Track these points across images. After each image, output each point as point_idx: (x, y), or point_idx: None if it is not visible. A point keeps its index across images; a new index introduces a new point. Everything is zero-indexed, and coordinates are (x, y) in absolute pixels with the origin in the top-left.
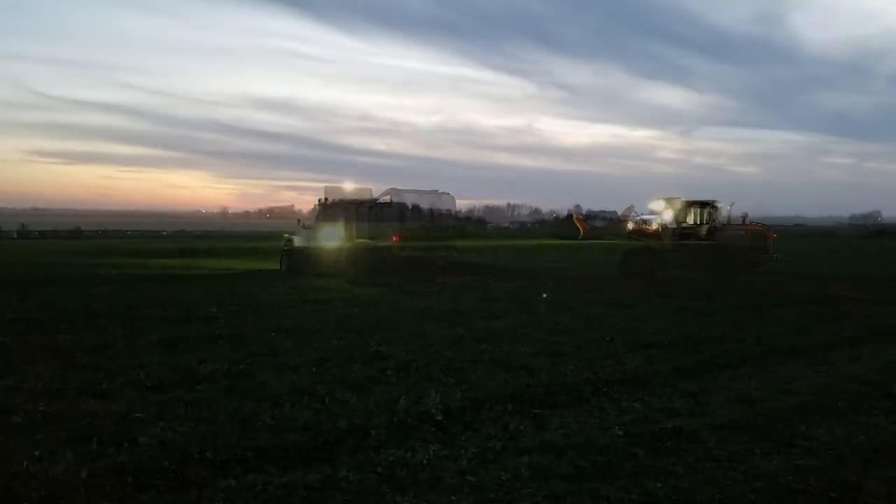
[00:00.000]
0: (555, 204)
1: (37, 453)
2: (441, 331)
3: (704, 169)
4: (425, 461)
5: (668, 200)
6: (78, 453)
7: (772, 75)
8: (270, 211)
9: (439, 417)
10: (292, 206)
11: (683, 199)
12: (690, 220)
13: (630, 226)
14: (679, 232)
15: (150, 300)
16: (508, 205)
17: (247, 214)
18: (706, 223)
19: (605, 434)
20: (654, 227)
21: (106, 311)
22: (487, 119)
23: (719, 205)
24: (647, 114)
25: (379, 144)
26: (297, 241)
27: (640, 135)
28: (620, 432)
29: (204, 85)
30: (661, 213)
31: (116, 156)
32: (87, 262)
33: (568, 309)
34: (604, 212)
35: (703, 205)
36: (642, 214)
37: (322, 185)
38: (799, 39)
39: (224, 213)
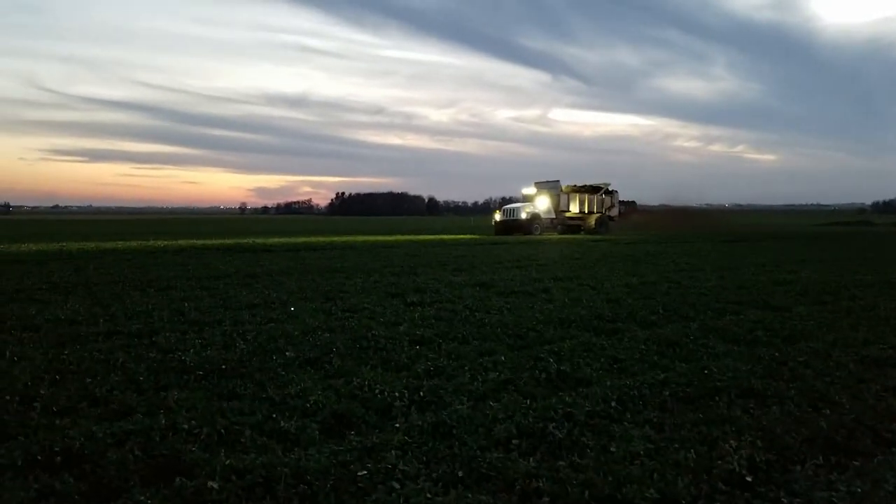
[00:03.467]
0: None
1: None
2: None
3: (723, 157)
4: None
5: (545, 185)
6: None
7: (792, 62)
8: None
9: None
10: (309, 200)
11: (569, 184)
12: (575, 208)
13: (497, 216)
14: (559, 222)
15: None
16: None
17: (265, 210)
18: (596, 212)
19: None
20: (523, 217)
21: None
22: (501, 111)
23: (613, 189)
24: (663, 103)
25: (393, 138)
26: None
27: (656, 124)
28: None
29: (219, 81)
30: (534, 200)
31: (134, 153)
32: None
33: None
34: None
35: (593, 190)
36: (511, 203)
37: (337, 179)
38: (818, 25)
39: (243, 210)
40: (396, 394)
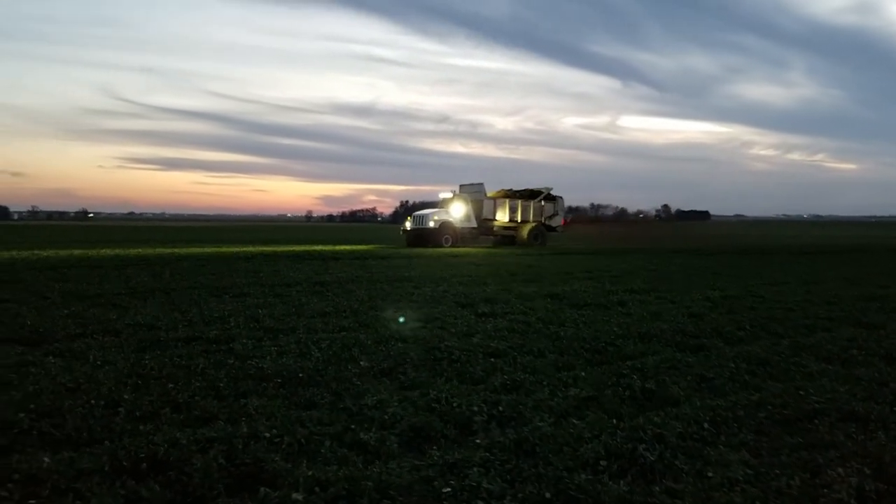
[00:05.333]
0: (642, 204)
1: None
2: None
3: (801, 166)
4: None
5: (467, 189)
6: None
7: (875, 67)
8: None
9: None
10: (374, 208)
11: (506, 188)
12: (503, 216)
13: (407, 224)
14: (484, 232)
15: None
16: (592, 205)
17: (331, 218)
18: (532, 220)
19: None
20: (431, 225)
21: None
22: (569, 118)
23: (555, 194)
24: (739, 109)
25: (457, 147)
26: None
27: (731, 131)
28: None
29: (288, 91)
30: (448, 207)
31: (206, 161)
32: None
33: None
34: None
35: (530, 195)
36: (423, 211)
37: (401, 187)
38: None
39: (309, 218)
40: (475, 408)
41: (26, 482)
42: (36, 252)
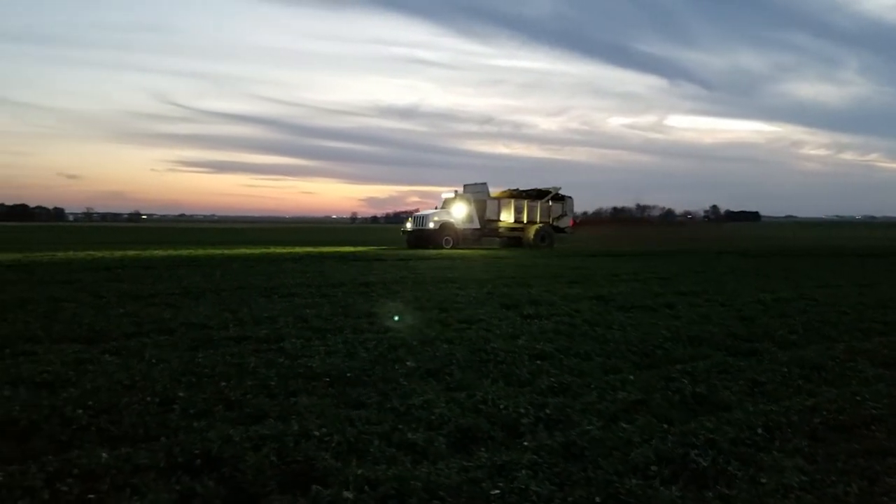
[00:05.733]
0: (690, 205)
1: None
2: None
3: (854, 166)
4: None
5: (471, 189)
6: None
7: None
8: None
9: None
10: (417, 209)
11: (507, 189)
12: (508, 216)
13: (408, 225)
14: (489, 233)
15: None
16: (638, 206)
17: (374, 219)
18: (539, 221)
19: None
20: (431, 226)
21: None
22: (615, 118)
23: (564, 194)
24: (789, 108)
25: (500, 147)
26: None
27: (781, 131)
28: None
29: (334, 95)
30: (450, 207)
31: (254, 164)
32: None
33: None
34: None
35: (537, 195)
36: (420, 210)
37: (445, 188)
38: None
39: (353, 219)
40: (522, 410)
41: (85, 477)
42: (91, 253)
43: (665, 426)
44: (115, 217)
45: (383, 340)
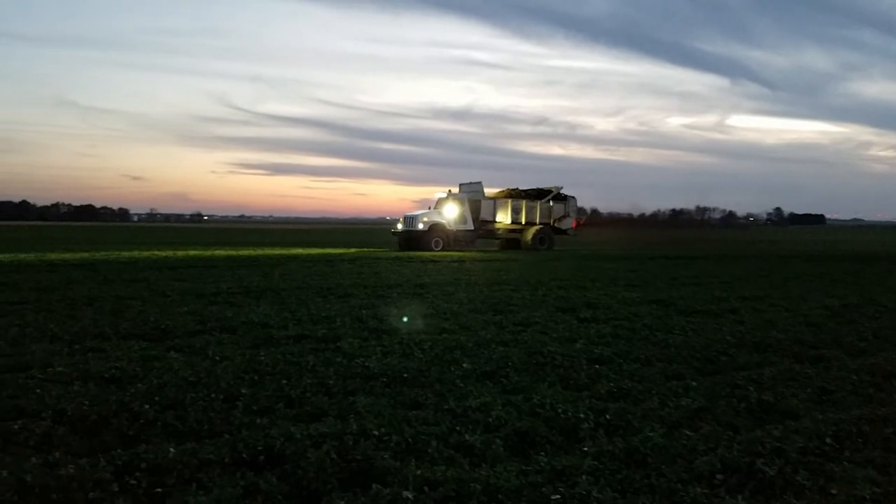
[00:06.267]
0: (752, 207)
1: None
2: None
3: None
4: None
5: (465, 189)
6: None
7: None
8: None
9: None
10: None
11: (505, 189)
12: (505, 217)
13: (399, 226)
14: (483, 234)
15: None
16: (698, 208)
17: None
18: (539, 222)
19: None
20: (420, 227)
21: None
22: (673, 118)
23: (567, 194)
24: (856, 108)
25: (555, 149)
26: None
27: (848, 131)
28: None
29: (389, 97)
30: (442, 208)
31: (311, 166)
32: None
33: None
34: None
35: (537, 195)
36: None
37: (498, 190)
38: None
39: None
40: (581, 415)
41: (153, 471)
42: (155, 252)
43: (730, 434)
44: (178, 218)
45: (438, 342)
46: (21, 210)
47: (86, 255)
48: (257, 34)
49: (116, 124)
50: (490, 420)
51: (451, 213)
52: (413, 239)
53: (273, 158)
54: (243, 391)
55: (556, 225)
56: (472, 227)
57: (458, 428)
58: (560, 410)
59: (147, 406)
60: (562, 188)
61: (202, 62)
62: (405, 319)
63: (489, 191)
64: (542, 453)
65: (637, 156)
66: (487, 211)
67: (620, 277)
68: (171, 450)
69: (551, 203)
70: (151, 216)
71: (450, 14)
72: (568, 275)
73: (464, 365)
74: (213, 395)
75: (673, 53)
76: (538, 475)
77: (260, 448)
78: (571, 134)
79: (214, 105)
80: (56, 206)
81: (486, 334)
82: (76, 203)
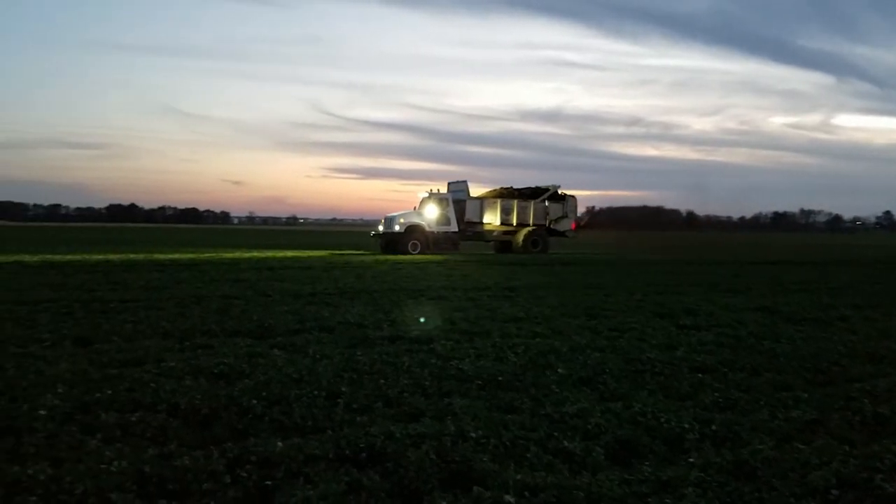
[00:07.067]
0: (860, 210)
1: None
2: None
3: None
4: None
5: (454, 187)
6: None
7: None
8: None
9: None
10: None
11: (497, 188)
12: (493, 218)
13: (380, 228)
14: (471, 237)
15: None
16: (802, 211)
17: None
18: (533, 223)
19: None
20: (396, 229)
21: None
22: (775, 117)
23: (565, 193)
24: None
25: (649, 149)
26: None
27: None
28: None
29: (478, 100)
30: (422, 210)
31: (400, 170)
32: None
33: None
34: None
35: (531, 194)
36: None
37: (588, 192)
38: None
39: None
40: (685, 425)
41: (262, 464)
42: (255, 254)
43: (845, 448)
44: (275, 220)
45: (532, 346)
46: (131, 212)
47: (192, 255)
48: (351, 42)
49: (218, 131)
50: (589, 427)
51: (430, 214)
52: (392, 241)
53: (364, 163)
54: (343, 389)
55: (552, 226)
56: (456, 229)
57: (556, 434)
58: (663, 419)
59: (254, 401)
60: (559, 187)
61: (298, 70)
62: (422, 320)
63: (478, 190)
64: (646, 463)
65: (737, 156)
66: (473, 212)
67: (721, 283)
68: (279, 444)
69: (547, 203)
70: (250, 219)
71: (540, 15)
72: (664, 279)
73: (559, 370)
74: (316, 393)
75: (775, 50)
76: (642, 485)
77: (361, 445)
78: (666, 134)
79: (309, 111)
80: (162, 208)
81: (581, 339)
82: (181, 206)
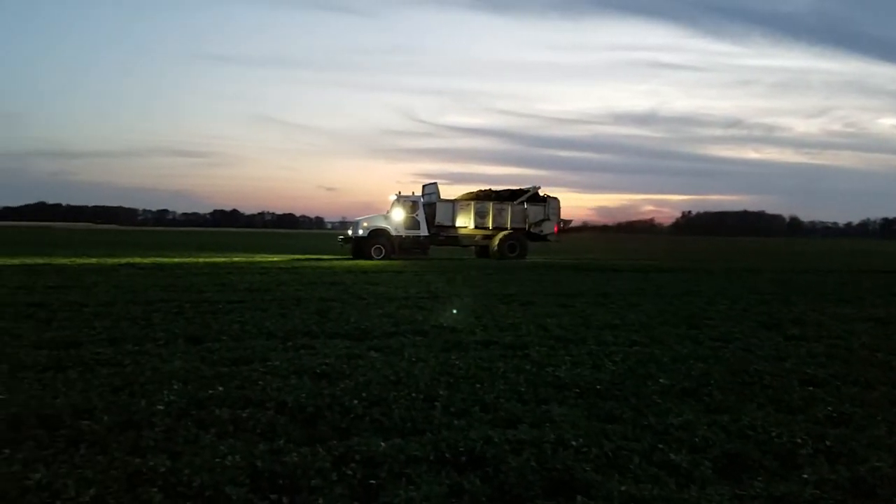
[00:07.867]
0: None
1: None
2: None
3: None
4: None
5: (427, 190)
6: None
7: None
8: None
9: None
10: (652, 219)
11: (472, 191)
12: (467, 221)
13: (348, 232)
14: (444, 241)
15: None
16: None
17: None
18: (510, 227)
19: None
20: (360, 233)
21: None
22: (886, 118)
23: (546, 195)
24: None
25: (749, 152)
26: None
27: None
28: None
29: (568, 104)
30: (390, 213)
31: (488, 175)
32: None
33: None
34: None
35: (510, 196)
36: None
37: (683, 197)
38: None
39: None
40: (798, 440)
41: (366, 463)
42: (349, 259)
43: None
44: None
45: (630, 354)
46: (232, 218)
47: (290, 258)
48: (441, 49)
49: (312, 139)
50: (696, 440)
51: (397, 218)
52: (358, 246)
53: (453, 168)
54: (440, 392)
55: (532, 230)
56: (426, 233)
57: (660, 446)
58: (773, 434)
59: (356, 401)
60: (539, 188)
61: (388, 78)
62: (454, 311)
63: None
64: (758, 478)
65: (844, 159)
66: (445, 215)
67: (830, 292)
68: (381, 444)
69: (525, 205)
70: (343, 224)
71: (633, 17)
72: (767, 287)
73: (660, 380)
74: (414, 395)
75: (883, 49)
76: (754, 501)
77: (461, 449)
78: (768, 136)
79: (400, 119)
80: (261, 214)
81: (682, 349)
82: (279, 212)
